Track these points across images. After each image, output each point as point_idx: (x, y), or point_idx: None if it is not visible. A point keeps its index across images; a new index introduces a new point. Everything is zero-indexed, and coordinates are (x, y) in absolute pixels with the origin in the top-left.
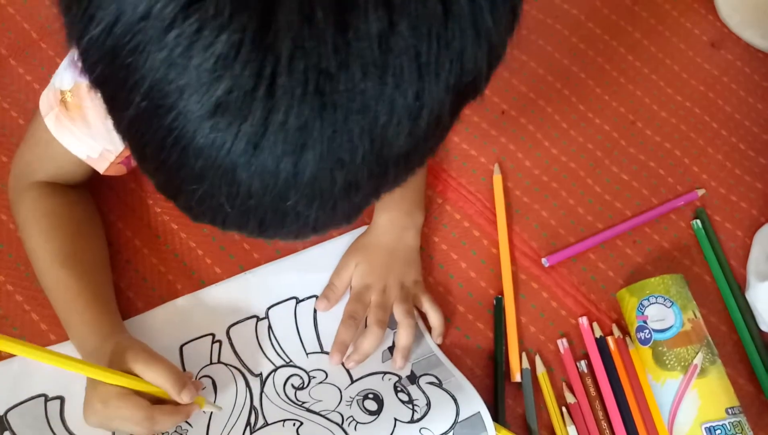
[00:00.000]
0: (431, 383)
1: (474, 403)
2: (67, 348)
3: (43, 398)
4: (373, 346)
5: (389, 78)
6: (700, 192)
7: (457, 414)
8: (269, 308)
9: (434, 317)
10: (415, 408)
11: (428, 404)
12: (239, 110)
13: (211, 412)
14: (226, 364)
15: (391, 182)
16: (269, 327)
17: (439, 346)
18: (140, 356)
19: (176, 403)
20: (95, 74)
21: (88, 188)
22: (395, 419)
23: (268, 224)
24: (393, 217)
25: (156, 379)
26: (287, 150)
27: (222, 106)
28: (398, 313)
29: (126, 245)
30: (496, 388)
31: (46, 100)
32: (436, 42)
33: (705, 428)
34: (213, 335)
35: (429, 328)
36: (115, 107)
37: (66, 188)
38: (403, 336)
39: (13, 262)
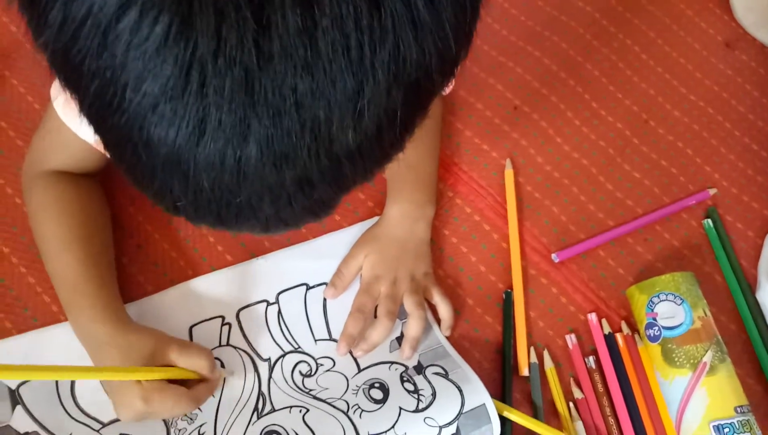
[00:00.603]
0: (437, 374)
1: (479, 395)
2: (62, 330)
3: None
4: (382, 337)
5: (320, 74)
6: (712, 191)
7: (462, 405)
8: (279, 293)
9: (444, 309)
10: (421, 398)
11: (433, 394)
12: (176, 106)
13: (220, 398)
14: (234, 347)
15: (351, 179)
16: (279, 312)
17: (447, 338)
18: (173, 345)
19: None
20: (58, 76)
21: (100, 172)
22: (400, 408)
23: (225, 218)
24: (404, 209)
25: (193, 364)
26: (228, 145)
27: (161, 102)
28: (408, 304)
29: (137, 230)
30: (504, 382)
31: (56, 84)
32: (368, 35)
33: (713, 426)
34: (223, 318)
35: (438, 320)
36: (79, 108)
37: (76, 176)
38: (413, 327)
39: (26, 245)
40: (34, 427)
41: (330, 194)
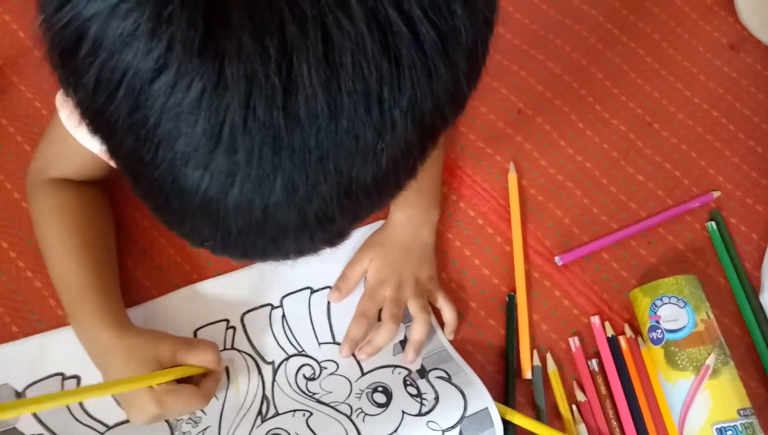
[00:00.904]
0: (440, 377)
1: (482, 399)
2: (68, 333)
3: (60, 377)
4: (386, 341)
5: (342, 129)
6: (716, 194)
7: (465, 409)
8: (284, 297)
9: (448, 313)
10: (423, 401)
11: (436, 398)
12: (208, 162)
13: (224, 402)
14: (239, 350)
15: (368, 211)
16: (283, 315)
17: (450, 341)
18: (179, 345)
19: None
20: (88, 127)
21: (105, 180)
22: (403, 412)
23: (251, 255)
24: (409, 214)
25: (201, 360)
26: (255, 194)
27: (193, 159)
28: (413, 307)
29: (143, 235)
30: (507, 385)
31: (62, 93)
32: (388, 90)
33: (716, 429)
34: (227, 321)
35: (441, 324)
36: (110, 157)
37: (80, 184)
38: (417, 330)
39: (33, 249)
40: (40, 430)
41: (347, 226)
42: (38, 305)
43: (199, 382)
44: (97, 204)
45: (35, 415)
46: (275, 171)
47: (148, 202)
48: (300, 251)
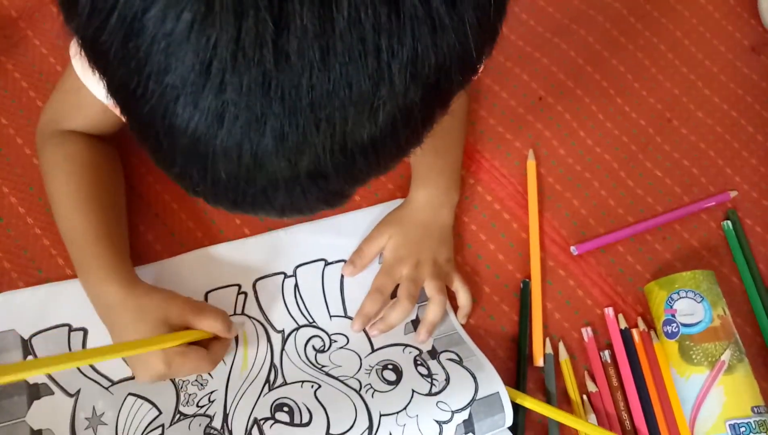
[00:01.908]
0: (451, 359)
1: (493, 383)
2: (76, 285)
3: (67, 328)
4: (400, 319)
5: (336, 75)
6: (732, 194)
7: (476, 392)
8: (297, 267)
9: (463, 297)
10: (434, 382)
11: (447, 379)
12: (196, 99)
13: (231, 366)
14: (249, 316)
15: (365, 173)
16: (296, 285)
17: (462, 325)
18: (188, 308)
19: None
20: (87, 59)
21: (119, 138)
22: (413, 391)
23: (241, 205)
24: (430, 194)
25: (210, 326)
26: (244, 138)
27: (182, 94)
28: (430, 288)
29: (156, 199)
30: (518, 371)
31: (75, 41)
32: (386, 39)
33: (729, 425)
34: (239, 286)
35: (455, 307)
36: (106, 90)
37: (90, 137)
38: (433, 311)
39: (43, 206)
40: (44, 380)
41: (343, 186)
42: (46, 263)
43: (208, 345)
44: (107, 159)
45: (35, 356)
46: (264, 115)
47: (142, 143)
48: (294, 207)
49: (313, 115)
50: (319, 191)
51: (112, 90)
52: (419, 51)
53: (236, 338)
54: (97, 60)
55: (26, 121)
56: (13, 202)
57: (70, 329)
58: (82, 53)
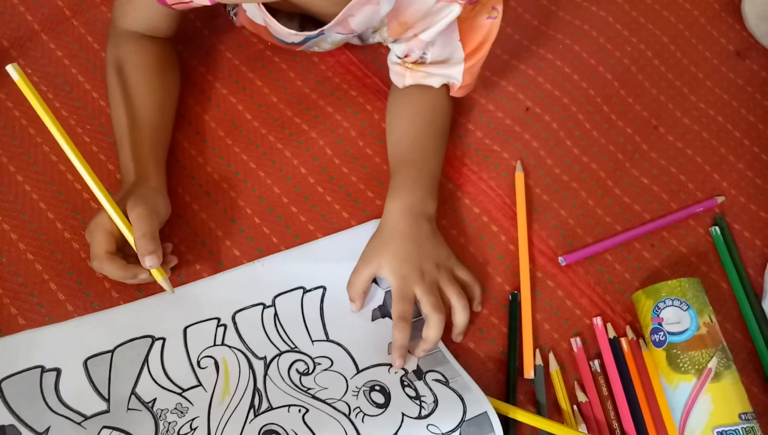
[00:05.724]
0: (437, 380)
1: (481, 403)
2: (70, 326)
3: (39, 369)
4: (439, 332)
5: None
6: (720, 199)
7: (464, 413)
8: (276, 296)
9: (459, 316)
10: (423, 404)
11: (435, 401)
12: None
13: (212, 392)
14: (229, 346)
15: None
16: (275, 314)
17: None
18: (137, 201)
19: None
20: None
21: (174, 32)
22: (403, 414)
23: None
24: (405, 204)
25: (134, 223)
26: None
27: None
28: (425, 304)
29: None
30: (509, 384)
31: None
32: None
33: (717, 432)
34: (218, 319)
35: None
36: None
37: (149, 38)
38: (431, 332)
39: (34, 232)
40: (11, 420)
41: None
42: (38, 289)
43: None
44: (165, 60)
45: (6, 404)
46: None
47: None
48: None
49: None
50: None
51: None
52: None
53: (216, 364)
54: None
55: (18, 149)
56: (5, 229)
57: (43, 370)
58: None
